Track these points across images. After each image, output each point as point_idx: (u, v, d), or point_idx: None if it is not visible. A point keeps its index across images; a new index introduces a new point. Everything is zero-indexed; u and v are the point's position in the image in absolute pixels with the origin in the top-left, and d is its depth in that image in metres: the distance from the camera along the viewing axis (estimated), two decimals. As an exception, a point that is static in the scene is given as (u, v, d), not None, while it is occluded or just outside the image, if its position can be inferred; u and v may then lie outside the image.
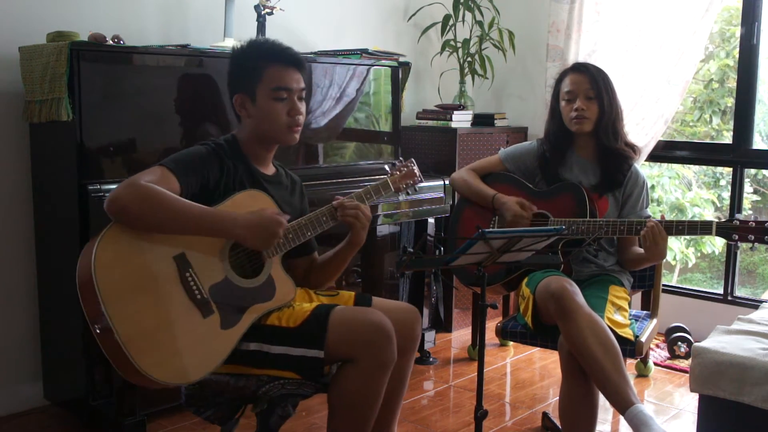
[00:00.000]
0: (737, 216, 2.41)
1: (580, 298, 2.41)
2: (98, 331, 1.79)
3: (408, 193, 2.38)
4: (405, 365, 2.23)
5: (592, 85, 2.70)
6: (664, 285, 4.19)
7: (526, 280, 2.65)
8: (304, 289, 2.29)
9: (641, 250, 2.66)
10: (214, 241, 1.99)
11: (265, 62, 2.10)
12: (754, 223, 2.37)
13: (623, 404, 2.28)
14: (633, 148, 2.82)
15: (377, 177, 2.60)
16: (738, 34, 3.83)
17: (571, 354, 2.38)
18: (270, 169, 2.24)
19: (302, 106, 2.15)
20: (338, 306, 2.07)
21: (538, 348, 3.11)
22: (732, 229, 2.39)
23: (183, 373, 1.87)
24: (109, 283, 1.80)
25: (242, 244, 2.00)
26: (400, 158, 2.41)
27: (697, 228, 2.45)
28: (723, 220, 2.44)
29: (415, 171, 2.36)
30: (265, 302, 2.05)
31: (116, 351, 1.79)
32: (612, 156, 2.75)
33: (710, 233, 2.44)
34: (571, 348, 2.36)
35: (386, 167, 2.39)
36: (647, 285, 2.96)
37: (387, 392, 2.17)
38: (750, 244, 2.38)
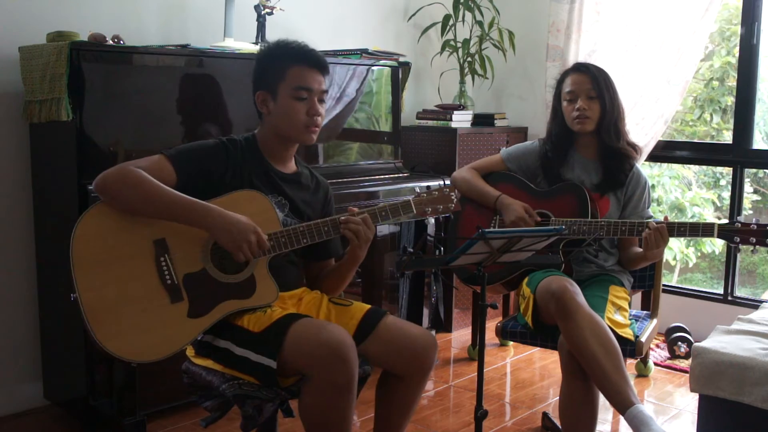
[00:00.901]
0: (739, 218, 2.41)
1: (581, 298, 2.41)
2: (72, 298, 1.89)
3: (439, 218, 2.30)
4: (413, 391, 2.16)
5: (593, 84, 2.71)
6: (664, 285, 4.19)
7: (526, 279, 2.65)
8: (320, 294, 2.28)
9: (640, 250, 2.66)
10: (200, 231, 2.00)
11: (289, 62, 2.14)
12: (755, 226, 2.37)
13: (623, 404, 2.28)
14: (634, 148, 2.83)
15: (377, 177, 2.60)
16: (738, 32, 3.84)
17: (571, 354, 2.38)
18: (289, 168, 2.25)
19: (322, 108, 2.18)
20: (305, 318, 2.00)
21: (538, 348, 3.11)
22: (733, 231, 2.39)
23: (139, 351, 1.93)
24: (82, 252, 1.90)
25: (213, 237, 2.00)
26: (440, 184, 2.32)
27: (699, 230, 2.45)
28: (724, 221, 2.43)
29: (453, 197, 2.21)
30: (241, 300, 2.04)
31: (82, 319, 1.88)
32: (614, 155, 2.76)
33: (712, 235, 2.43)
34: (572, 348, 2.36)
35: (417, 189, 2.25)
36: (647, 285, 2.96)
37: (392, 414, 2.18)
38: (751, 247, 2.38)
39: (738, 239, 2.38)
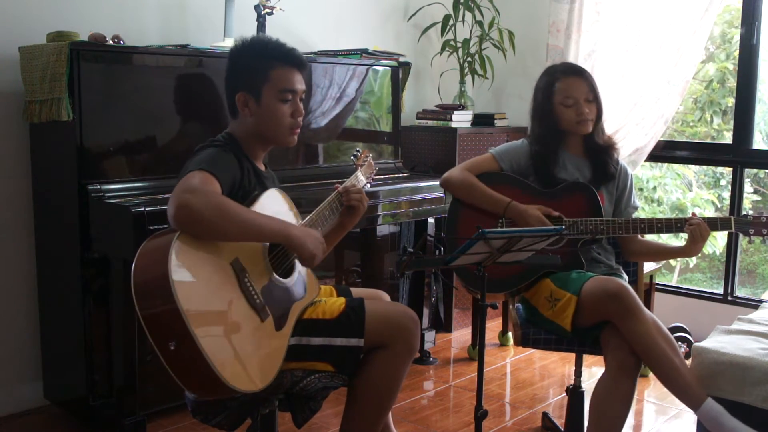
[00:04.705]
0: (750, 212, 2.51)
1: (638, 296, 2.43)
2: (172, 347, 1.71)
3: (371, 183, 2.50)
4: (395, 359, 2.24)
5: (589, 87, 2.72)
6: (664, 285, 4.19)
7: (551, 282, 2.58)
8: None
9: (659, 242, 2.69)
10: (258, 243, 1.99)
11: (272, 62, 2.10)
12: (765, 219, 2.46)
13: (697, 399, 2.30)
14: (611, 138, 2.87)
15: (377, 177, 2.62)
16: (737, 36, 3.84)
17: (630, 353, 2.36)
18: (262, 166, 2.24)
19: (302, 108, 2.17)
20: (363, 298, 2.16)
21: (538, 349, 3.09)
22: (748, 224, 2.49)
23: (258, 379, 1.85)
24: (189, 300, 1.72)
25: (295, 249, 1.98)
26: (357, 150, 2.48)
27: (717, 224, 2.53)
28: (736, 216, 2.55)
29: (374, 164, 2.54)
30: (302, 299, 2.09)
31: (196, 367, 1.72)
32: (599, 149, 2.78)
33: (730, 228, 2.52)
34: (637, 347, 2.35)
35: (351, 158, 2.49)
36: (631, 280, 2.94)
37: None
38: (762, 238, 2.49)
39: (752, 231, 2.48)
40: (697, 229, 2.49)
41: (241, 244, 1.93)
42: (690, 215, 2.54)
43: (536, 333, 2.62)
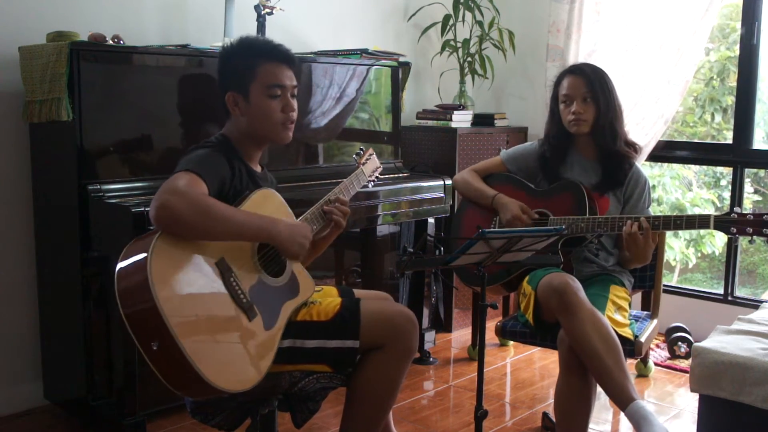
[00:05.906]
0: (735, 209, 2.37)
1: (582, 294, 2.41)
2: (155, 348, 1.72)
3: (374, 181, 2.50)
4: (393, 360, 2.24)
5: (588, 87, 2.70)
6: (664, 285, 4.19)
7: (527, 278, 2.65)
8: None
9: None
10: (245, 242, 1.99)
11: (257, 60, 2.10)
12: (752, 216, 2.33)
13: (624, 400, 2.28)
14: (634, 147, 2.83)
15: (377, 177, 2.62)
16: (737, 29, 3.83)
17: (571, 349, 2.38)
18: (257, 167, 2.23)
19: (295, 103, 2.15)
20: (360, 299, 2.15)
21: (538, 348, 3.11)
22: (730, 222, 2.36)
23: (246, 378, 1.85)
24: (169, 299, 1.73)
25: (279, 247, 2.00)
26: (361, 148, 2.53)
27: (695, 222, 2.43)
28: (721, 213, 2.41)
29: (378, 161, 2.53)
30: (294, 299, 2.08)
31: (179, 367, 1.73)
32: (612, 156, 2.75)
33: (708, 227, 2.40)
34: (573, 343, 2.36)
35: (354, 156, 2.50)
36: (647, 285, 2.96)
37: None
38: (748, 238, 2.33)
39: (735, 230, 2.34)
40: (627, 234, 2.48)
41: (228, 244, 1.93)
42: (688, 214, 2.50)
43: (513, 326, 2.76)
